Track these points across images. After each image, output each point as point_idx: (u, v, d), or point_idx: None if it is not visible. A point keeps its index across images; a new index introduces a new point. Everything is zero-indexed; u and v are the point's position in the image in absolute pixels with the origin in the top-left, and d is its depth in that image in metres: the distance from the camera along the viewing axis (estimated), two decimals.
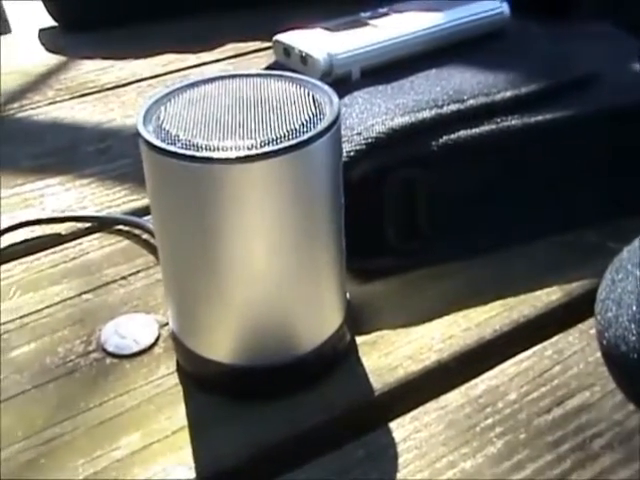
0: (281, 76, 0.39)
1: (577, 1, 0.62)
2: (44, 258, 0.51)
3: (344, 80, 0.52)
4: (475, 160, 0.47)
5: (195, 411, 0.40)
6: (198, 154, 0.34)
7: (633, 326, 0.36)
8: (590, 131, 0.49)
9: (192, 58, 0.78)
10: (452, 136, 0.46)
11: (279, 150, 0.34)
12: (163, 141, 0.35)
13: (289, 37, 0.56)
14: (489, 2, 0.59)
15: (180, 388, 0.41)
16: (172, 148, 0.34)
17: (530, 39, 0.57)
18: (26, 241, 0.53)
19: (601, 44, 0.56)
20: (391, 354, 0.42)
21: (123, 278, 0.49)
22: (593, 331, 0.42)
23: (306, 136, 0.35)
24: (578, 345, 0.42)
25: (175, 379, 0.41)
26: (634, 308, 0.36)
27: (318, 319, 0.40)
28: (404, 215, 0.47)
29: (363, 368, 0.41)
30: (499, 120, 0.47)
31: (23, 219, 0.53)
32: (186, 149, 0.34)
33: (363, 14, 0.58)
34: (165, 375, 0.42)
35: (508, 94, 0.49)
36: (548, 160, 0.49)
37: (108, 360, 0.43)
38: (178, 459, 0.37)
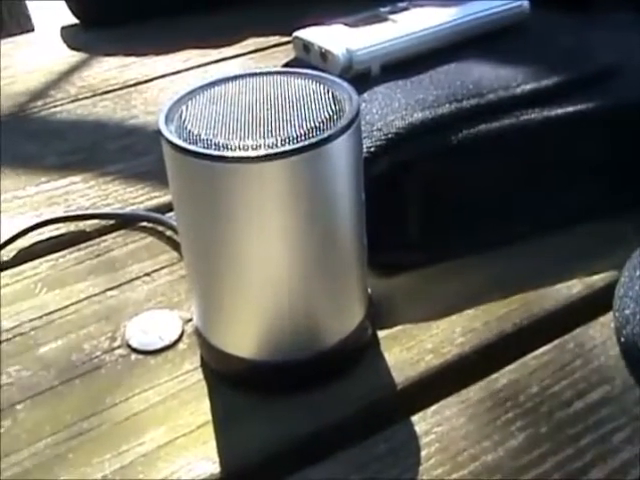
0: (300, 73, 0.39)
1: None
2: (69, 255, 0.51)
3: (364, 76, 0.53)
4: (495, 154, 0.47)
5: (219, 406, 0.40)
6: (219, 153, 0.34)
7: None
8: (611, 123, 0.49)
9: (213, 53, 0.79)
10: (472, 130, 0.46)
11: (299, 148, 0.34)
12: (185, 140, 0.35)
13: (309, 33, 0.56)
14: None
15: (204, 383, 0.41)
16: (193, 147, 0.35)
17: (550, 32, 0.57)
18: (51, 238, 0.53)
19: (623, 35, 0.56)
20: (413, 348, 0.42)
21: (147, 275, 0.49)
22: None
23: (326, 134, 0.35)
24: (599, 338, 0.42)
25: (199, 375, 0.42)
26: None
27: (340, 314, 0.40)
28: (425, 210, 0.47)
29: (385, 362, 0.42)
30: (519, 114, 0.47)
31: (48, 217, 0.54)
32: (207, 148, 0.35)
33: (382, 9, 0.58)
34: (189, 371, 0.42)
35: (528, 87, 0.49)
36: (568, 153, 0.49)
37: (133, 356, 0.43)
38: (202, 454, 0.38)
